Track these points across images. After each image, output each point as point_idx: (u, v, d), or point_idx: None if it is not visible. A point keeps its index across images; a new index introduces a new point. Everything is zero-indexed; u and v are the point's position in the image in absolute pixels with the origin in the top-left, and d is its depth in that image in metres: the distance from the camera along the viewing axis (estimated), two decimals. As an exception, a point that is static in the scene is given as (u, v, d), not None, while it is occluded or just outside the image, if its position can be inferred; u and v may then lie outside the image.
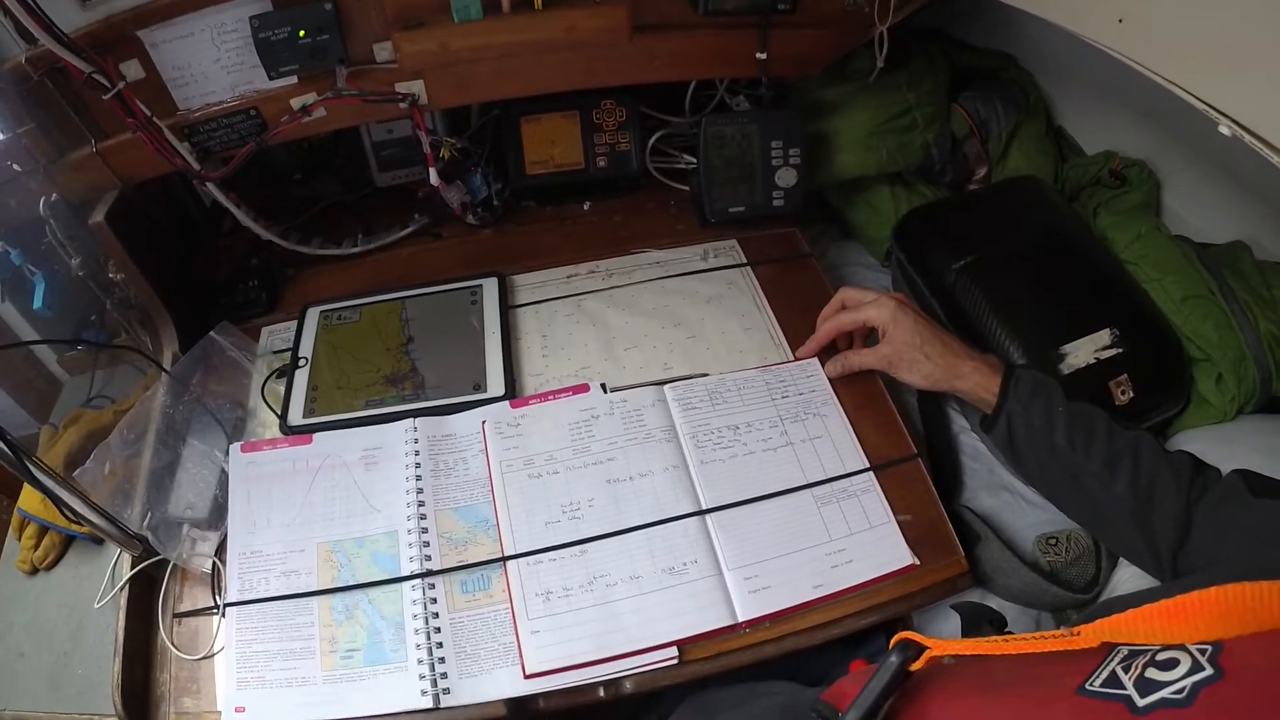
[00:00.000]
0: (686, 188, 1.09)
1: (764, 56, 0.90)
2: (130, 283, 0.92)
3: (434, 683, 0.69)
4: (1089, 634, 0.40)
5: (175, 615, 0.78)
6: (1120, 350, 0.82)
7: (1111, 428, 0.68)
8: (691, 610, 0.72)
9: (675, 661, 0.70)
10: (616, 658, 0.70)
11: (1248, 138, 0.55)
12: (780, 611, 0.72)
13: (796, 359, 0.89)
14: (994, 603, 0.77)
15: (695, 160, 1.02)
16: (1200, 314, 0.84)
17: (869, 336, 0.87)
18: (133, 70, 0.81)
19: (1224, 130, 0.57)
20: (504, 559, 0.75)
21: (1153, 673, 0.35)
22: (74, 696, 0.78)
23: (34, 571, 0.88)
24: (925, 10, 0.93)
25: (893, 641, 0.48)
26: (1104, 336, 0.82)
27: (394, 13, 0.82)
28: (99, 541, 0.87)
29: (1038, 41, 1.08)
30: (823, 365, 0.88)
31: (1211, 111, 0.57)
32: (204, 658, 0.75)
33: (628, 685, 0.70)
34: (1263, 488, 0.59)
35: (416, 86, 0.86)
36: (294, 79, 0.84)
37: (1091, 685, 0.37)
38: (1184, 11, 0.58)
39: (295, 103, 0.85)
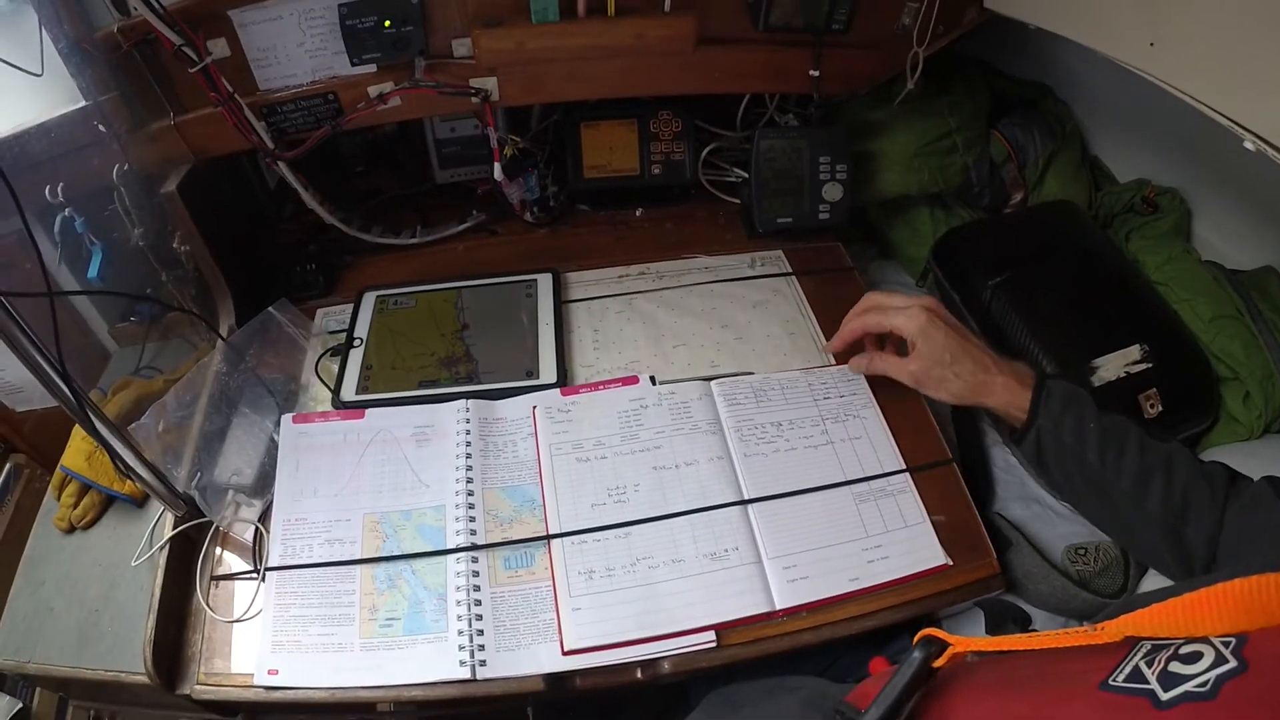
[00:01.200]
0: (736, 200, 1.12)
1: (817, 74, 0.94)
2: (195, 255, 0.94)
3: (472, 654, 0.70)
4: (1112, 629, 0.41)
5: (213, 578, 0.79)
6: (1150, 365, 0.84)
7: (1144, 441, 0.66)
8: (730, 595, 0.73)
9: (714, 645, 0.71)
10: (656, 639, 0.70)
11: (1270, 152, 0.58)
12: (816, 602, 0.73)
13: (825, 350, 0.91)
14: (1023, 608, 0.79)
15: (745, 174, 1.06)
16: (1228, 333, 0.86)
17: (901, 341, 0.87)
18: (219, 48, 0.85)
19: (1248, 145, 0.60)
20: (549, 537, 0.76)
21: (1176, 666, 0.36)
22: (102, 653, 0.78)
23: (71, 530, 0.88)
24: (968, 40, 0.97)
25: (916, 639, 0.49)
26: (1134, 352, 0.85)
27: (475, 10, 0.86)
28: (140, 504, 0.87)
29: (1074, 73, 1.13)
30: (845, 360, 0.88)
31: (1236, 128, 0.61)
32: (239, 620, 0.75)
33: (665, 666, 0.71)
34: None
35: (490, 83, 0.90)
36: (374, 67, 0.88)
37: (1115, 680, 0.38)
38: (1211, 34, 0.62)
39: (373, 90, 0.89)
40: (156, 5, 0.76)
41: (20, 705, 1.10)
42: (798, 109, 1.07)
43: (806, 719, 0.63)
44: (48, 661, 0.79)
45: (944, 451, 0.85)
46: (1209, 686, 0.34)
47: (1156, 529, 0.64)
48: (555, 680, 0.70)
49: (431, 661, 0.70)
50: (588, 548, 0.76)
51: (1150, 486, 0.64)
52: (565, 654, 0.70)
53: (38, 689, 1.13)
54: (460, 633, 0.71)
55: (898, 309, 0.79)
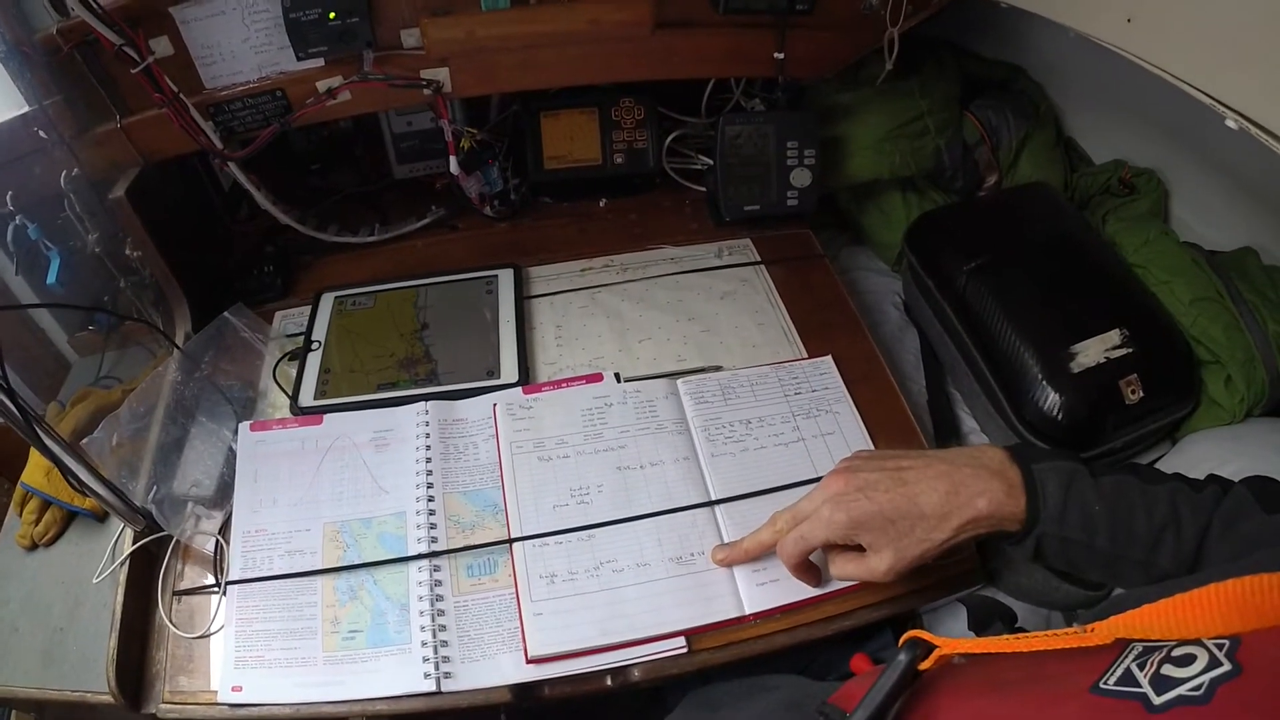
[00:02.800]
0: (702, 188, 1.10)
1: (781, 56, 0.91)
2: (146, 261, 0.92)
3: (436, 665, 0.68)
4: (1102, 630, 0.39)
5: (175, 593, 0.77)
6: (1130, 350, 0.82)
7: (1146, 498, 0.57)
8: (698, 600, 0.71)
9: (684, 651, 0.69)
10: (622, 645, 0.69)
11: (1253, 130, 0.56)
12: (788, 605, 0.71)
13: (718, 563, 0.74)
14: (1003, 601, 0.77)
15: (711, 161, 1.03)
16: (1209, 316, 0.84)
17: None
18: (162, 47, 0.82)
19: (1230, 124, 0.58)
20: (510, 540, 0.74)
21: (1169, 669, 0.35)
22: (67, 673, 0.76)
23: (33, 547, 0.86)
24: (937, 21, 0.95)
25: (901, 640, 0.47)
26: (1114, 336, 0.83)
27: (423, -1, 0.84)
28: (101, 519, 0.85)
29: (1047, 53, 1.11)
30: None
31: (1218, 106, 0.58)
32: (202, 636, 0.73)
33: (635, 673, 0.69)
34: (1276, 500, 0.54)
35: (441, 74, 0.88)
36: (321, 61, 0.85)
37: (1106, 684, 0.36)
38: (1190, 9, 0.59)
39: (321, 85, 0.86)
40: (94, 5, 0.74)
41: (-3, 727, 1.09)
42: (764, 93, 1.04)
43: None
44: (12, 683, 0.77)
45: (920, 444, 0.83)
46: (1203, 690, 0.32)
47: (1160, 576, 0.58)
48: (523, 690, 0.69)
49: (395, 674, 0.68)
50: (549, 551, 0.74)
51: (1161, 547, 0.56)
52: (529, 662, 0.68)
53: (13, 710, 1.12)
54: (424, 644, 0.69)
55: (808, 519, 0.64)
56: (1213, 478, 0.59)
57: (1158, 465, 0.86)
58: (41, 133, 0.84)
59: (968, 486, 0.59)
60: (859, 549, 0.63)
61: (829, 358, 0.88)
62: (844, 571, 0.65)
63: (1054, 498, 0.57)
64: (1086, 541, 0.57)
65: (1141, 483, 0.58)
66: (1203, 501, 0.57)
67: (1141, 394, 0.82)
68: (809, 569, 0.69)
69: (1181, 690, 0.33)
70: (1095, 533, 0.57)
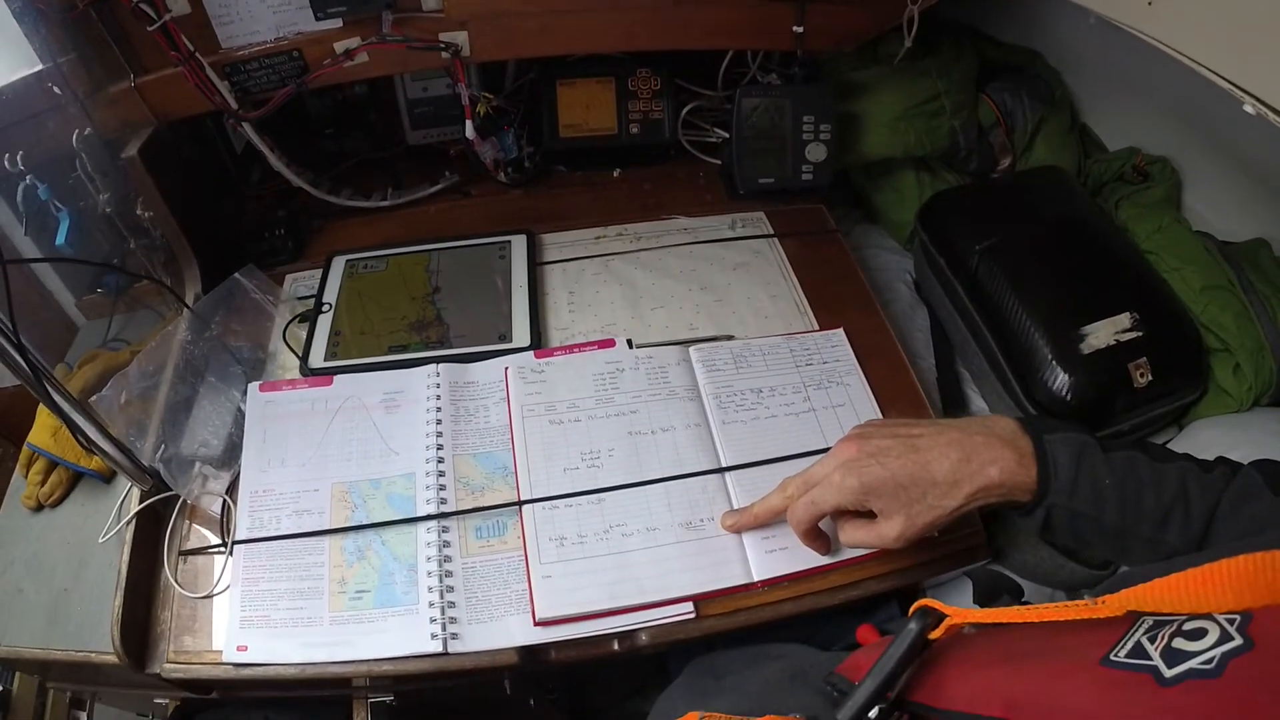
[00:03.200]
0: (716, 161, 1.10)
1: (801, 30, 0.91)
2: (158, 221, 0.91)
3: (443, 626, 0.68)
4: (1113, 603, 0.39)
5: (181, 553, 0.77)
6: (1140, 334, 0.82)
7: (1155, 474, 0.57)
8: (707, 566, 0.71)
9: (692, 616, 0.69)
10: (629, 609, 0.69)
11: (1271, 116, 0.56)
12: (796, 574, 0.71)
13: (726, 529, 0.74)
14: (1014, 579, 0.77)
15: (726, 134, 1.03)
16: (1219, 304, 0.84)
17: None
18: (179, 5, 0.82)
19: (1248, 109, 0.57)
20: (520, 503, 0.74)
21: (1180, 643, 0.35)
22: (72, 633, 0.76)
23: (39, 508, 0.86)
24: (956, 3, 0.95)
25: (912, 609, 0.47)
26: (1124, 319, 0.83)
27: (444, -40, 0.83)
28: (107, 480, 0.85)
29: (1064, 38, 1.10)
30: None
31: (1236, 91, 0.58)
32: (207, 596, 0.73)
33: (643, 638, 0.69)
34: None
35: (460, 37, 0.87)
36: (339, 22, 0.85)
37: (1116, 656, 0.37)
38: None
39: (339, 46, 0.86)
40: (111, -42, 0.73)
41: (0, 688, 1.09)
42: (781, 68, 1.03)
43: (793, 689, 0.62)
44: (18, 643, 0.77)
45: (930, 418, 0.83)
46: (1214, 664, 0.32)
47: (1168, 554, 0.58)
48: (529, 653, 0.69)
49: (402, 635, 0.68)
50: (559, 514, 0.74)
51: (1169, 523, 0.56)
52: (537, 624, 0.68)
53: (17, 672, 1.12)
54: (431, 605, 0.69)
55: (819, 484, 0.64)
56: (1222, 459, 0.59)
57: (1164, 450, 0.87)
58: (56, 88, 0.83)
59: (980, 454, 0.58)
60: (868, 516, 0.63)
61: (841, 330, 0.88)
62: (854, 538, 0.64)
63: (1065, 469, 0.57)
64: (1095, 515, 0.57)
65: (1151, 460, 0.58)
66: (1211, 482, 0.56)
67: (1150, 378, 0.82)
68: (818, 536, 0.69)
69: (1192, 663, 0.33)
70: (1104, 506, 0.57)
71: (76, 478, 0.87)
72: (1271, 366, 0.82)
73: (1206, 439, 0.83)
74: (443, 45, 0.86)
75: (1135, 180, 1.01)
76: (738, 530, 0.73)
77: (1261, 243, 0.90)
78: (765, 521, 0.71)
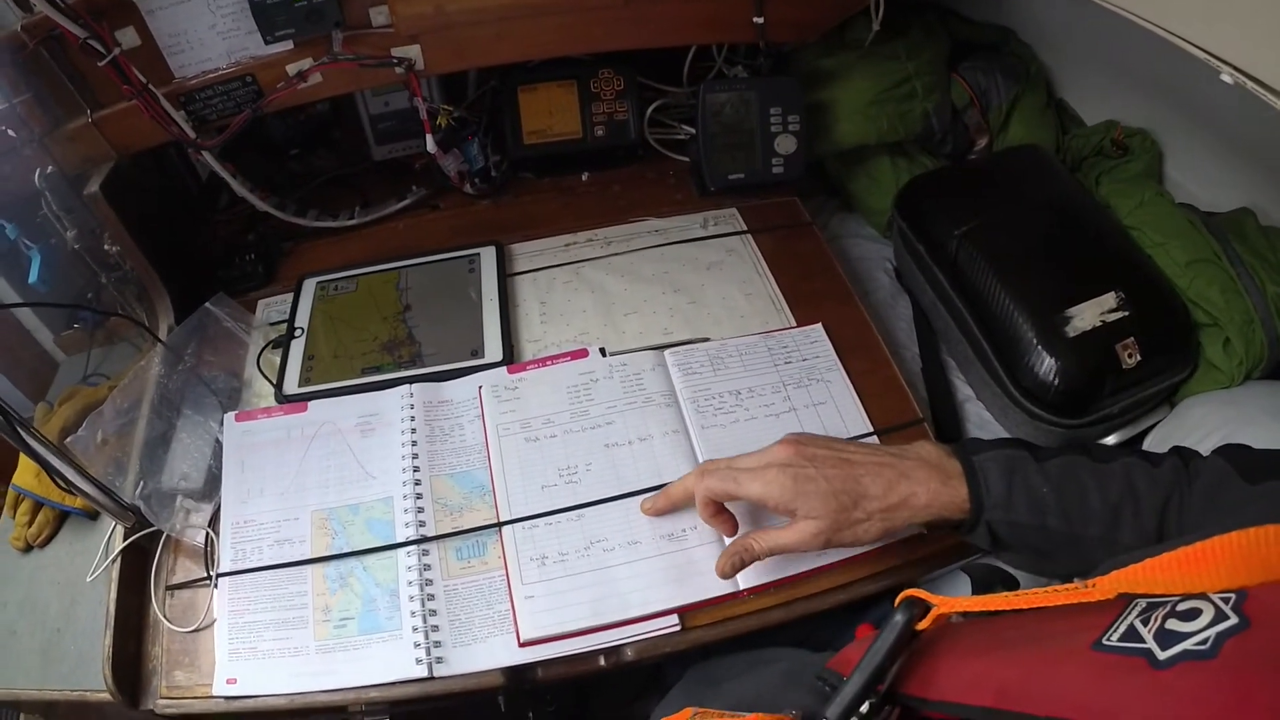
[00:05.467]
0: (685, 158, 1.08)
1: (761, 20, 0.89)
2: (126, 255, 0.91)
3: (428, 650, 0.67)
4: (1105, 585, 0.39)
5: (168, 588, 0.76)
6: (1126, 313, 0.80)
7: (1098, 475, 0.58)
8: (691, 576, 0.70)
9: (677, 628, 0.69)
10: (614, 625, 0.68)
11: (1249, 85, 0.54)
12: (782, 580, 0.70)
13: (644, 512, 0.74)
14: (1010, 572, 0.76)
15: (694, 130, 1.01)
16: (1206, 278, 0.82)
17: None
18: (129, 37, 0.81)
19: (1225, 78, 0.56)
20: (499, 524, 0.73)
21: (1174, 624, 0.34)
22: (67, 673, 0.76)
23: (28, 549, 0.86)
24: (923, -18, 0.93)
25: (898, 600, 0.46)
26: (1109, 299, 0.81)
27: (389, -25, 0.82)
28: (93, 517, 0.85)
29: (1035, 14, 1.08)
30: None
31: (1213, 60, 0.56)
32: (196, 630, 0.73)
33: (629, 653, 0.68)
34: (1258, 468, 0.52)
35: (413, 51, 0.86)
36: (290, 44, 0.84)
37: (1109, 639, 0.36)
38: None
39: (291, 68, 0.85)
40: (55, -2, 0.72)
41: (6, 732, 1.10)
42: (747, 60, 1.02)
43: (788, 690, 0.61)
44: (15, 685, 0.77)
45: (914, 411, 0.82)
46: (1209, 644, 0.32)
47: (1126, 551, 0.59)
48: (515, 673, 0.68)
49: (388, 661, 0.68)
50: (539, 532, 0.73)
51: (1120, 522, 0.56)
52: (522, 645, 0.68)
53: (21, 714, 1.13)
54: (415, 629, 0.69)
55: (748, 470, 0.64)
56: (1174, 450, 0.59)
57: (1155, 430, 0.85)
58: (11, 132, 0.83)
59: (909, 476, 0.60)
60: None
61: (819, 326, 0.87)
62: (775, 540, 0.64)
63: (997, 485, 0.58)
64: (1039, 524, 0.58)
65: (1093, 461, 0.58)
66: (1160, 475, 0.56)
67: (1139, 357, 0.80)
68: (721, 511, 0.68)
69: (1187, 645, 0.32)
70: (1045, 514, 0.57)
71: (63, 516, 0.87)
72: (1262, 339, 0.80)
73: (1198, 416, 0.81)
74: (396, 60, 0.85)
75: (1115, 154, 0.98)
76: (656, 513, 0.73)
77: (1246, 212, 0.87)
78: (680, 503, 0.71)
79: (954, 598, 0.46)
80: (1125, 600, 0.38)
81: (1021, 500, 0.58)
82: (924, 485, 0.60)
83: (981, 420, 0.89)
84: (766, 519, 0.69)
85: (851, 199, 1.11)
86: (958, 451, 0.61)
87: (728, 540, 0.70)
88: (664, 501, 0.72)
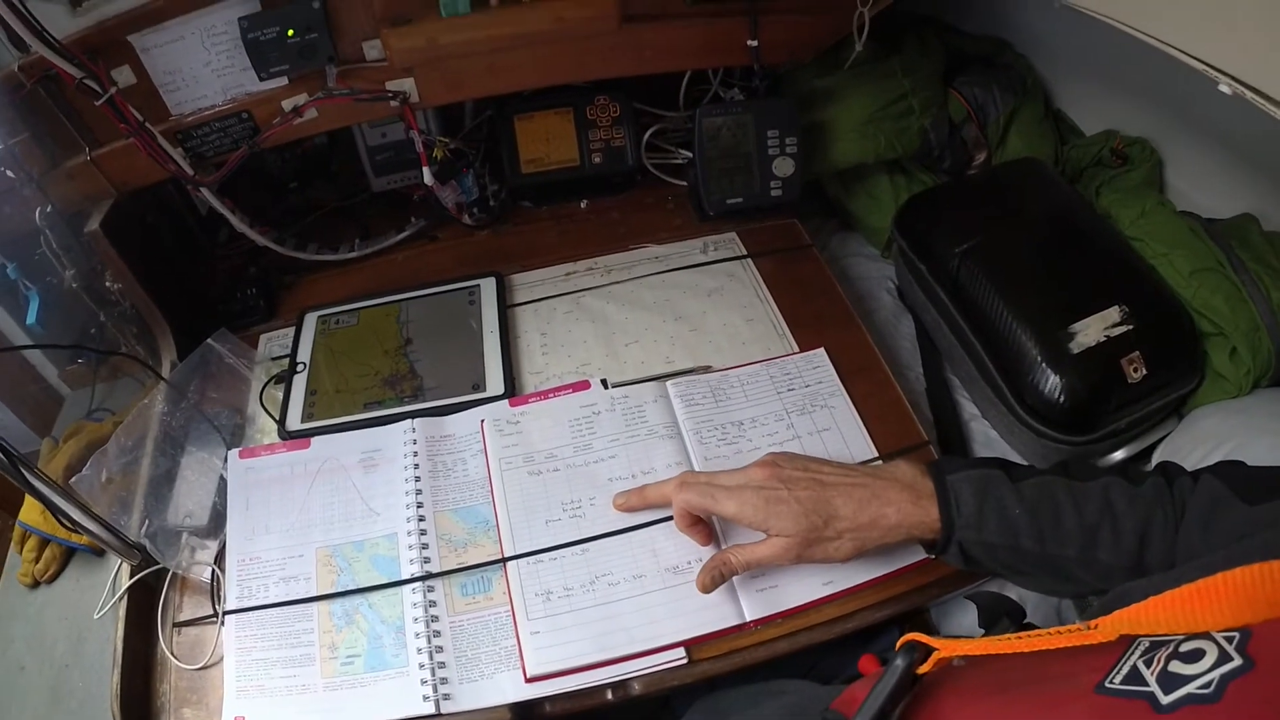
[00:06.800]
0: (683, 183, 1.08)
1: (756, 44, 0.89)
2: (127, 292, 0.91)
3: (435, 688, 0.67)
4: (1106, 626, 0.38)
5: (175, 624, 0.76)
6: (1131, 327, 0.80)
7: (1075, 494, 0.58)
8: (696, 609, 0.69)
9: (684, 661, 0.68)
10: (621, 659, 0.68)
11: (1248, 94, 0.54)
12: (789, 610, 0.70)
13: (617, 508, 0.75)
14: (1013, 592, 0.75)
15: (691, 154, 1.01)
16: (1210, 287, 0.82)
17: None
18: (124, 76, 0.81)
19: (1224, 89, 0.56)
20: (504, 560, 0.73)
21: (1176, 665, 0.33)
22: (75, 710, 0.77)
23: (35, 585, 0.87)
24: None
25: (899, 644, 0.46)
26: (1113, 314, 0.80)
27: (382, 10, 0.81)
28: (100, 553, 0.86)
29: (1031, 25, 1.07)
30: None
31: (1210, 71, 0.56)
32: (204, 667, 0.73)
33: (636, 687, 0.68)
34: (1256, 488, 0.51)
35: (407, 84, 0.86)
36: (284, 80, 0.84)
37: (1111, 683, 0.35)
38: None
39: (286, 104, 0.85)
40: (51, 39, 0.72)
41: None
42: (743, 83, 1.02)
43: None
44: (22, 722, 0.77)
45: (919, 434, 0.81)
46: (1213, 688, 0.31)
47: (1118, 577, 0.57)
48: (523, 709, 0.68)
49: (395, 698, 0.68)
50: (544, 567, 0.72)
51: (1098, 542, 0.56)
52: (529, 681, 0.67)
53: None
54: (421, 666, 0.68)
55: (724, 488, 0.66)
56: (1159, 468, 0.59)
57: (1164, 443, 0.84)
58: (9, 172, 0.84)
59: (880, 496, 0.62)
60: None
61: (822, 350, 0.86)
62: (751, 555, 0.66)
63: (968, 504, 0.59)
64: (1011, 544, 0.58)
65: (1071, 480, 0.58)
66: (1142, 494, 0.56)
67: (1144, 371, 0.79)
68: (697, 522, 0.70)
69: (1190, 688, 0.32)
70: (1018, 535, 0.58)
71: (70, 552, 0.88)
72: (1269, 346, 0.80)
73: (1207, 428, 0.81)
74: (390, 94, 0.85)
75: (1114, 164, 0.98)
76: (628, 510, 0.74)
77: (1249, 218, 0.87)
78: (654, 505, 0.73)
79: (956, 640, 0.46)
80: (1128, 640, 0.37)
81: (993, 520, 0.58)
82: (894, 505, 0.61)
83: (988, 439, 0.88)
84: (744, 533, 0.70)
85: (851, 218, 1.11)
86: (931, 471, 0.62)
87: (703, 551, 0.72)
88: (637, 500, 0.73)
